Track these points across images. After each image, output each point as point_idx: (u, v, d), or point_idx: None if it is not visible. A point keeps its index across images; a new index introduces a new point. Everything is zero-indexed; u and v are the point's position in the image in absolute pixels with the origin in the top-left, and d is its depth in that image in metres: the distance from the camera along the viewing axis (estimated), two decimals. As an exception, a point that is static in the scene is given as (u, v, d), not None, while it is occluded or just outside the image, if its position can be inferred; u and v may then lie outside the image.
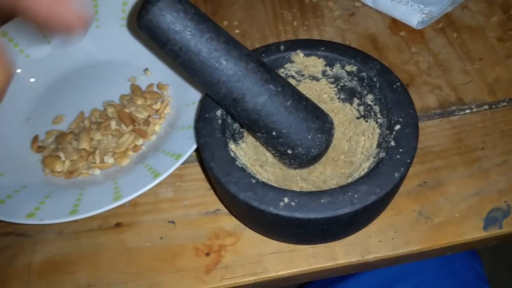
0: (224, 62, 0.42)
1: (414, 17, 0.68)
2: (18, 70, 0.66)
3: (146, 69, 0.67)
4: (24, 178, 0.55)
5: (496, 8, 0.72)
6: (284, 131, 0.46)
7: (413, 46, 0.68)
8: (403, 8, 0.69)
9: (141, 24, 0.41)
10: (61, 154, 0.57)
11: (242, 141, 0.52)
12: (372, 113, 0.50)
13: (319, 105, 0.53)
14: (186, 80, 0.63)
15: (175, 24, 0.40)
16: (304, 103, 0.47)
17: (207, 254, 0.52)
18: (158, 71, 0.67)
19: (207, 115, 0.48)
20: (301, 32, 0.72)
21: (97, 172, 0.57)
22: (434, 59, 0.66)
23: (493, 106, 0.61)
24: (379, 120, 0.49)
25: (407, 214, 0.53)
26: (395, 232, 0.52)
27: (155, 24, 0.40)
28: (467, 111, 0.61)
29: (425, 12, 0.68)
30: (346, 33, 0.71)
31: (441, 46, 0.68)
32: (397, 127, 0.45)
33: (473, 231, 0.52)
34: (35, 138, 0.60)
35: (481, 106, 0.61)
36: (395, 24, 0.71)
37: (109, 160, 0.57)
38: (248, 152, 0.51)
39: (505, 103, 0.61)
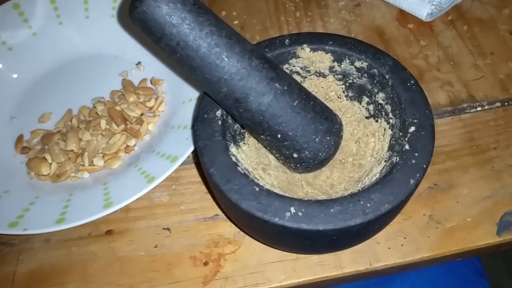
0: (226, 59, 0.38)
1: (423, 9, 0.65)
2: (0, 65, 0.62)
3: (139, 63, 0.63)
4: (6, 182, 0.51)
5: (508, -1, 0.69)
6: (290, 133, 0.42)
7: (422, 39, 0.65)
8: (412, -1, 0.66)
9: (134, 16, 0.37)
10: (48, 156, 0.53)
11: (244, 143, 0.48)
12: (383, 113, 0.47)
13: (325, 103, 0.49)
14: (182, 75, 0.59)
15: (172, 16, 0.36)
16: (311, 103, 0.43)
17: (205, 264, 0.48)
18: (152, 65, 0.63)
19: (206, 116, 0.44)
20: (304, 23, 0.68)
21: (86, 175, 0.53)
22: (444, 53, 0.63)
23: (506, 103, 0.58)
24: (391, 121, 0.46)
25: (417, 218, 0.50)
26: (404, 238, 0.49)
27: (150, 16, 0.36)
28: (479, 108, 0.58)
29: (435, 3, 0.65)
30: (351, 25, 0.67)
31: (451, 39, 0.64)
32: (412, 129, 0.42)
33: (486, 236, 0.49)
34: (19, 138, 0.56)
35: (493, 103, 0.58)
36: (403, 16, 0.68)
37: (99, 162, 0.53)
38: (250, 155, 0.47)
39: (518, 100, 0.58)
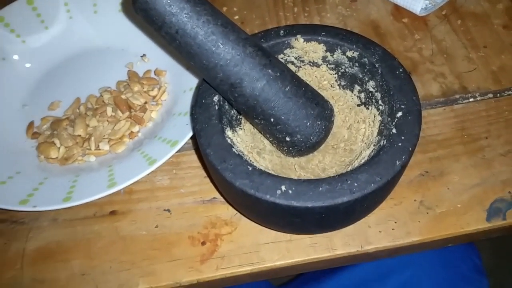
0: (221, 46, 0.41)
1: (417, 3, 0.67)
2: (15, 56, 0.65)
3: (144, 55, 0.66)
4: (18, 165, 0.54)
5: (502, -6, 0.70)
6: (283, 117, 0.45)
7: (416, 33, 0.67)
8: (407, -6, 0.68)
9: (137, 6, 0.39)
10: (56, 141, 0.56)
11: (240, 128, 0.50)
12: (374, 100, 0.49)
13: (319, 92, 0.51)
14: (184, 66, 0.62)
15: (172, 6, 0.39)
16: (303, 89, 0.46)
17: (203, 243, 0.51)
18: (156, 57, 0.66)
19: (203, 101, 0.46)
20: (302, 18, 0.70)
21: (92, 159, 0.56)
22: (438, 46, 0.65)
23: (498, 95, 0.60)
24: (380, 107, 0.48)
25: (408, 204, 0.52)
26: (395, 222, 0.51)
27: (151, 6, 0.39)
28: (471, 99, 0.60)
29: (429, -2, 0.67)
30: (347, 20, 0.69)
31: (445, 33, 0.66)
32: (399, 114, 0.44)
33: (475, 222, 0.51)
34: (30, 124, 0.59)
35: (485, 95, 0.60)
36: (398, 11, 0.70)
37: (105, 147, 0.56)
38: (245, 139, 0.50)
39: (510, 92, 0.60)
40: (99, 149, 0.56)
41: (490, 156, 0.55)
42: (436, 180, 0.53)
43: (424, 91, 0.60)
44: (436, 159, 0.55)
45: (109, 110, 0.58)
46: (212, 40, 0.40)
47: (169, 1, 0.38)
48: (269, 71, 0.43)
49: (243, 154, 0.45)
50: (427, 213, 0.51)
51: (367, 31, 0.68)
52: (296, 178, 0.42)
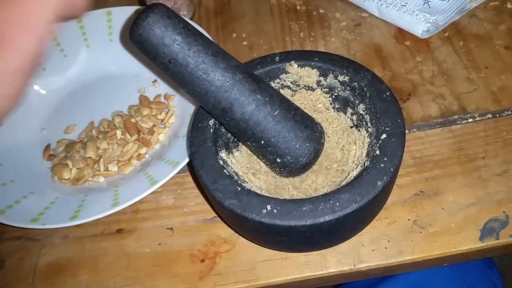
0: (211, 74, 0.44)
1: (419, 26, 0.68)
2: (36, 87, 0.70)
3: (155, 80, 0.70)
4: (33, 185, 0.58)
5: (505, 15, 0.71)
6: (272, 140, 0.47)
7: (418, 55, 0.68)
8: (409, 17, 0.69)
9: (133, 38, 0.43)
10: (69, 162, 0.60)
11: (236, 150, 0.53)
12: (364, 122, 0.51)
13: (314, 114, 0.54)
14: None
15: (164, 38, 0.42)
16: (292, 112, 0.48)
17: (202, 261, 0.53)
18: (166, 82, 0.69)
19: (200, 124, 0.49)
20: (307, 43, 0.73)
21: (101, 179, 0.59)
22: (439, 68, 0.66)
23: (497, 115, 0.60)
24: (369, 129, 0.50)
25: (401, 223, 0.53)
26: (388, 241, 0.52)
27: (145, 38, 0.42)
28: (470, 120, 0.60)
29: (431, 21, 0.68)
30: (351, 43, 0.71)
31: (447, 54, 0.67)
32: (383, 136, 0.45)
33: (468, 242, 0.51)
34: (47, 147, 0.64)
35: (484, 115, 0.60)
36: (401, 34, 0.71)
37: (113, 168, 0.60)
38: (241, 161, 0.52)
39: (509, 112, 0.60)
40: (108, 170, 0.60)
41: (486, 176, 0.55)
42: (431, 199, 0.54)
43: (422, 113, 0.61)
44: (431, 179, 0.56)
45: (118, 133, 0.62)
46: (202, 69, 0.43)
47: (162, 33, 0.42)
48: (258, 96, 0.45)
49: (237, 175, 0.47)
50: (421, 232, 0.52)
51: (369, 54, 0.69)
52: (284, 198, 0.44)
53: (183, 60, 0.43)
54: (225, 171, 0.45)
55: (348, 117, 0.54)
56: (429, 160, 0.57)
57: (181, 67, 0.43)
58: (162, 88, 0.69)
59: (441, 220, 0.53)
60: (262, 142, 0.47)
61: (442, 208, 0.53)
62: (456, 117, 0.61)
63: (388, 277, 0.68)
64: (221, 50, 0.45)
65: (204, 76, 0.44)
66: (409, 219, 0.53)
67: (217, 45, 0.46)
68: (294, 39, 0.73)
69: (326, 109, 0.55)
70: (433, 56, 0.68)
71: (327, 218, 0.41)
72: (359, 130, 0.52)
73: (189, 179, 0.60)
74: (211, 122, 0.49)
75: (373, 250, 0.51)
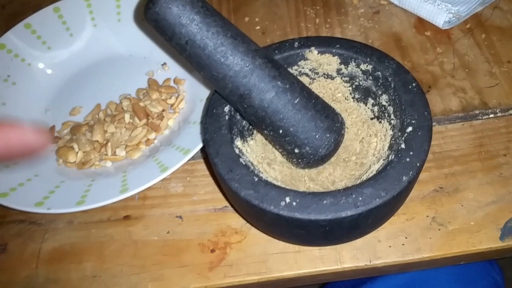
0: (230, 57, 0.41)
1: (440, 17, 0.66)
2: (40, 64, 0.67)
3: (164, 63, 0.68)
4: (37, 167, 0.56)
5: (530, 8, 0.69)
6: (291, 129, 0.45)
7: (439, 47, 0.66)
8: (430, 7, 0.67)
9: (148, 16, 0.40)
10: (75, 145, 0.58)
11: (251, 139, 0.51)
12: (386, 114, 0.49)
13: (332, 104, 0.51)
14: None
15: (181, 17, 0.39)
16: (313, 101, 0.46)
17: (212, 251, 0.51)
18: (176, 66, 0.67)
19: (214, 111, 0.47)
20: (323, 29, 0.70)
21: (108, 164, 0.57)
22: (460, 60, 0.64)
23: (520, 111, 0.58)
24: (392, 122, 0.48)
25: (419, 220, 0.51)
26: (406, 238, 0.50)
27: (162, 17, 0.39)
28: (491, 115, 0.58)
29: (453, 11, 0.65)
30: (369, 32, 0.69)
31: (468, 47, 0.65)
32: (409, 129, 0.43)
33: (488, 241, 0.49)
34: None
35: (506, 111, 0.58)
36: (421, 24, 0.69)
37: (121, 152, 0.57)
38: (256, 150, 0.50)
39: (532, 108, 0.58)
40: (116, 155, 0.57)
41: (508, 173, 0.53)
42: (450, 196, 0.52)
43: (443, 106, 0.59)
44: (451, 175, 0.54)
45: (127, 117, 0.60)
46: (221, 51, 0.41)
47: (179, 12, 0.39)
48: (279, 82, 0.43)
49: (252, 165, 0.45)
50: (439, 229, 0.50)
51: (388, 43, 0.67)
52: (303, 190, 0.42)
53: (201, 41, 0.41)
54: (241, 160, 0.43)
55: (368, 108, 0.52)
56: (449, 156, 0.55)
57: (199, 49, 0.41)
58: (172, 71, 0.67)
59: (460, 217, 0.51)
60: (281, 131, 0.45)
61: (462, 206, 0.52)
62: (477, 112, 0.59)
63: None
64: (240, 32, 0.43)
65: (222, 60, 0.41)
66: (427, 216, 0.51)
67: (236, 27, 0.43)
68: (310, 25, 0.71)
69: (345, 99, 0.53)
70: (454, 48, 0.65)
71: (349, 213, 0.39)
72: (380, 122, 0.50)
73: (199, 166, 0.58)
74: (227, 108, 0.47)
75: (390, 247, 0.50)
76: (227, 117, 0.47)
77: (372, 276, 0.68)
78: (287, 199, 0.40)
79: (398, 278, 0.66)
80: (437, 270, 0.65)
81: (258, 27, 0.72)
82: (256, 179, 0.42)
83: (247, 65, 0.42)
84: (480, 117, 0.58)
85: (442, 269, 0.65)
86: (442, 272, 0.65)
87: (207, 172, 0.57)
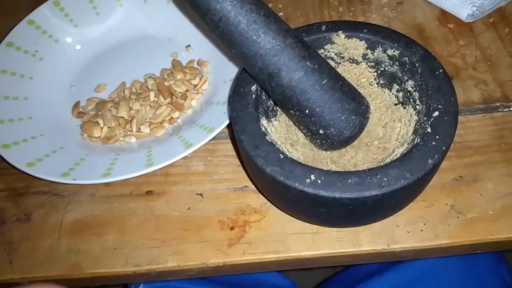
0: (262, 35, 0.42)
1: (464, 10, 0.66)
2: (68, 39, 0.68)
3: (189, 45, 0.68)
4: (62, 140, 0.57)
5: (555, 4, 0.69)
6: (318, 109, 0.45)
7: (461, 39, 0.66)
8: (453, 0, 0.67)
9: (184, -8, 0.41)
10: (100, 121, 0.59)
11: (275, 119, 0.51)
12: (411, 100, 0.49)
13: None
14: (226, 57, 0.63)
15: (217, -7, 0.40)
16: (340, 83, 0.46)
17: (232, 228, 0.52)
18: (200, 48, 0.68)
19: (241, 90, 0.48)
20: (346, 18, 0.71)
21: (133, 140, 0.58)
22: (482, 53, 0.64)
23: (541, 105, 0.58)
24: (417, 107, 0.48)
25: (439, 207, 0.52)
26: (424, 224, 0.51)
27: (197, -7, 0.40)
28: (512, 108, 0.59)
29: (476, 5, 0.66)
30: (392, 22, 0.69)
31: (491, 41, 0.65)
32: (436, 113, 0.44)
33: (506, 231, 0.50)
34: (76, 104, 0.62)
35: (527, 104, 0.59)
36: (444, 16, 0.69)
37: (145, 129, 0.58)
38: (279, 130, 0.51)
39: (554, 103, 0.58)
40: (140, 131, 0.58)
41: (528, 166, 0.54)
42: (469, 185, 0.53)
43: (464, 97, 0.60)
44: (471, 165, 0.54)
45: (152, 95, 0.60)
46: (253, 29, 0.42)
47: (215, -12, 0.40)
48: (308, 63, 0.44)
49: (276, 144, 0.46)
50: (458, 217, 0.51)
51: (411, 34, 0.67)
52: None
53: (234, 18, 0.41)
54: (267, 137, 0.44)
55: (393, 93, 0.52)
56: (469, 146, 0.56)
57: (232, 26, 0.42)
58: (196, 53, 0.68)
59: (479, 206, 0.51)
60: (307, 111, 0.46)
61: (481, 195, 0.52)
62: (498, 104, 0.59)
63: (395, 264, 0.67)
64: (272, 11, 0.44)
65: (254, 38, 0.42)
66: (446, 204, 0.52)
67: (268, 6, 0.44)
68: (333, 13, 0.72)
69: (370, 84, 0.54)
70: (477, 41, 0.66)
71: (374, 192, 0.40)
72: (404, 108, 0.50)
73: (220, 146, 0.59)
74: (253, 87, 0.48)
75: (408, 232, 0.50)
76: (253, 96, 0.47)
77: (380, 270, 0.68)
78: (312, 177, 0.40)
79: (406, 272, 0.67)
80: (446, 265, 0.65)
81: (281, 13, 0.72)
82: (282, 156, 0.42)
83: (278, 43, 0.42)
84: (501, 110, 0.59)
85: (450, 264, 0.65)
86: (450, 267, 0.65)
87: (228, 153, 0.58)
